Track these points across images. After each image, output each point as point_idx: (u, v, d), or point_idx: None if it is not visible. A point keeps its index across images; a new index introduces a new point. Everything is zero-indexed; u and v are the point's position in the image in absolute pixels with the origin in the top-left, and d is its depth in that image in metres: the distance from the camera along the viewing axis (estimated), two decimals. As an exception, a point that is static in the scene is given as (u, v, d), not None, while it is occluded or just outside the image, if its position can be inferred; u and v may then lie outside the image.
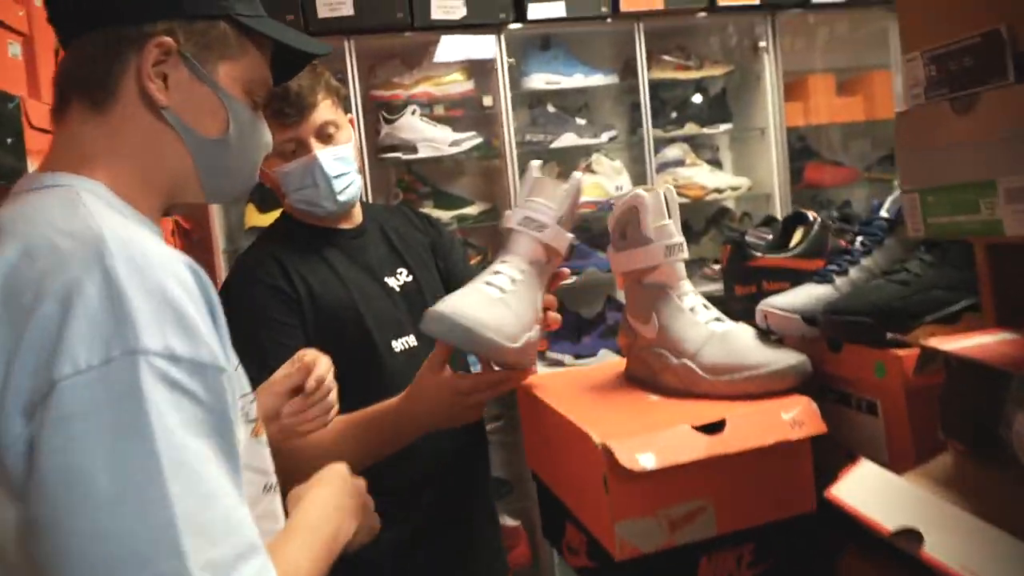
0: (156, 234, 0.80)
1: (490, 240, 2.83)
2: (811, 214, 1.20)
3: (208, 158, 0.83)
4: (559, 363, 2.71)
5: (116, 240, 0.67)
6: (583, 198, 2.65)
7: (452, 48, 2.61)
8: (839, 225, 1.19)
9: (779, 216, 2.78)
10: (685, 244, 1.17)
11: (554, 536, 1.24)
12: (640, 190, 1.17)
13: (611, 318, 2.75)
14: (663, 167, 2.78)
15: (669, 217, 1.16)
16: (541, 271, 1.16)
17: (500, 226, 1.17)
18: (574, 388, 1.24)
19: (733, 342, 1.09)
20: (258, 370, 1.16)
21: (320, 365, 1.08)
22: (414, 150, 2.54)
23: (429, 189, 2.71)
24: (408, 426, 1.24)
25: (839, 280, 1.06)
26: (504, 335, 1.05)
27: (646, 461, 0.92)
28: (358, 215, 1.47)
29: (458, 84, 2.63)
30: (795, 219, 1.26)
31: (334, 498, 0.91)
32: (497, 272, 1.12)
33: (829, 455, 0.99)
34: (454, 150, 2.57)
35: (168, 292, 0.66)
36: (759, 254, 1.20)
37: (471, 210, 2.70)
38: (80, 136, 0.79)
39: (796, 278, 1.14)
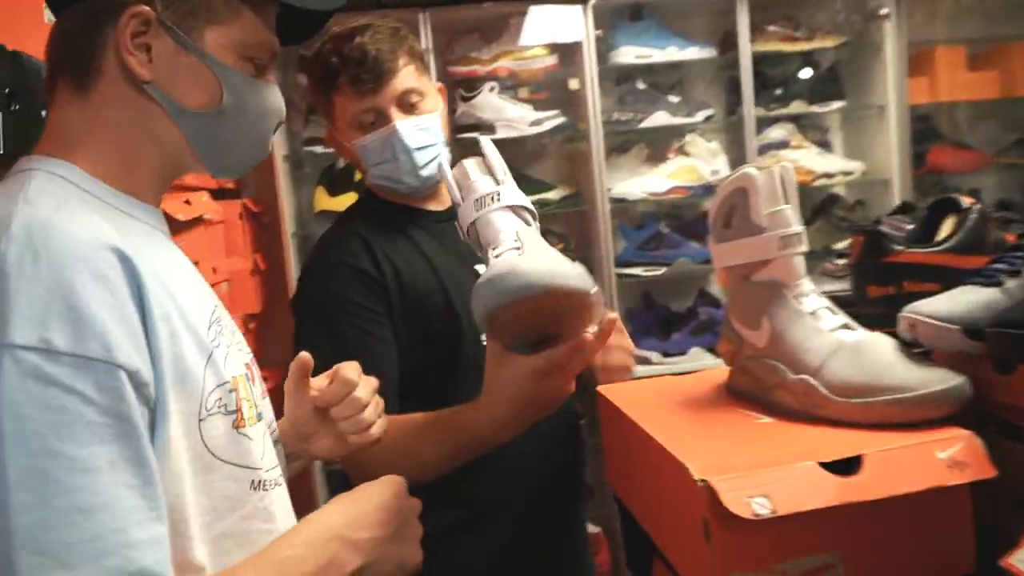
0: (148, 215, 0.77)
1: (573, 227, 2.64)
2: (965, 199, 0.97)
3: (201, 132, 0.77)
4: (646, 360, 2.51)
5: (22, 225, 0.63)
6: (675, 182, 2.48)
7: (534, 20, 2.42)
8: (1002, 214, 0.96)
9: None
10: (804, 234, 0.97)
11: (640, 569, 1.07)
12: (750, 168, 0.98)
13: (703, 313, 2.54)
14: (765, 149, 2.54)
15: (786, 201, 0.97)
16: (531, 234, 1.00)
17: (462, 236, 1.04)
18: (665, 401, 1.06)
19: (868, 356, 0.88)
20: (343, 360, 1.10)
21: (343, 373, 0.95)
22: (492, 130, 2.37)
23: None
24: (494, 433, 1.08)
25: (1010, 282, 0.84)
26: (569, 271, 0.89)
27: (760, 507, 0.73)
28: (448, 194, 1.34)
29: (540, 59, 2.45)
30: (942, 206, 1.03)
31: (339, 527, 0.77)
32: (498, 255, 0.95)
33: (988, 501, 0.78)
34: (535, 130, 2.39)
35: (64, 281, 0.61)
36: (900, 248, 0.98)
37: (553, 195, 2.52)
38: (64, 120, 0.76)
39: (948, 278, 0.92)
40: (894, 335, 0.91)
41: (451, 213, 1.31)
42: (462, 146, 2.50)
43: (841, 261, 2.19)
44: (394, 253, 1.25)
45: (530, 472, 1.28)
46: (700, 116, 2.51)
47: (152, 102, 0.75)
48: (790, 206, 0.97)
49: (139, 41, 0.73)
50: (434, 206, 1.33)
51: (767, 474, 0.75)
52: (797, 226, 0.97)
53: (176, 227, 1.64)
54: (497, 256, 0.94)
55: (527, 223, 1.00)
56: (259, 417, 0.80)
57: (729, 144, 2.64)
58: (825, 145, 2.66)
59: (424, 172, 1.26)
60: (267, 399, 0.91)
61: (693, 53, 2.50)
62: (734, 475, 0.75)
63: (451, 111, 2.44)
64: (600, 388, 1.13)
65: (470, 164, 1.03)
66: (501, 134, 2.39)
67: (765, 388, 0.97)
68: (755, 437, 0.88)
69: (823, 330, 0.93)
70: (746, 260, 0.99)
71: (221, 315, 0.82)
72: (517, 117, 2.38)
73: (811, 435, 0.85)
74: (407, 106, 1.24)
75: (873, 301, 0.99)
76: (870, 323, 0.94)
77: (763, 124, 2.56)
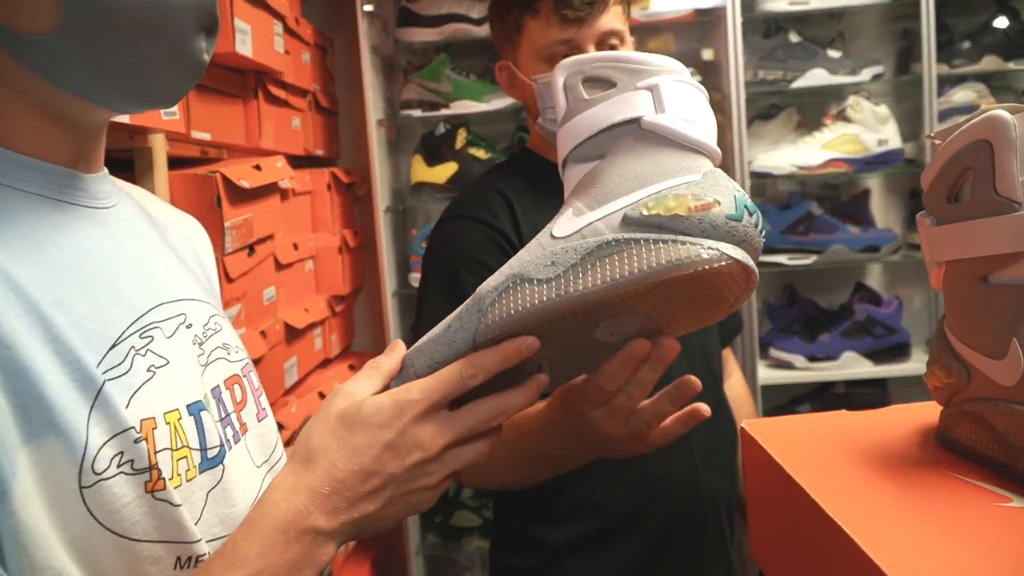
0: (42, 181, 0.55)
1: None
2: None
3: (54, 64, 0.53)
4: (788, 365, 2.14)
5: None
6: (832, 154, 2.08)
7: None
8: None
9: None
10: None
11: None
12: (1000, 111, 0.64)
13: (860, 311, 2.14)
14: (947, 114, 2.09)
15: (1054, 163, 0.64)
16: None
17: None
18: (845, 455, 0.74)
19: None
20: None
21: None
22: (614, 91, 2.05)
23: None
24: (564, 448, 0.86)
25: None
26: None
27: None
28: None
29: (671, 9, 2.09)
30: None
31: (300, 510, 0.53)
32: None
33: None
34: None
35: None
36: None
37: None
38: None
39: None
40: None
41: None
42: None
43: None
44: (539, 217, 1.10)
45: (677, 483, 1.12)
46: (866, 74, 2.09)
47: None
48: (1060, 169, 0.64)
49: None
50: None
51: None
52: (1073, 201, 0.63)
53: (240, 196, 1.42)
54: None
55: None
56: (208, 465, 0.57)
57: (901, 109, 2.20)
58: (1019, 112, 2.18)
59: None
60: (267, 419, 0.68)
61: (861, -2, 2.08)
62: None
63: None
64: (745, 424, 0.82)
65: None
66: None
67: (1015, 451, 0.63)
68: (1014, 538, 0.55)
69: (1122, 367, 0.59)
70: (986, 251, 0.66)
71: (163, 319, 0.59)
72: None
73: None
74: (606, 49, 1.10)
75: None
76: None
77: (944, 85, 2.11)
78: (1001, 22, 2.13)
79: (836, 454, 0.74)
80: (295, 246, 1.77)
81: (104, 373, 0.51)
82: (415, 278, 2.16)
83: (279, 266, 1.68)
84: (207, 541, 0.55)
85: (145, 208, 0.69)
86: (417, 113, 2.10)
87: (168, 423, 0.54)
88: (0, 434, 0.46)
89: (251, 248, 1.50)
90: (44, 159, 0.56)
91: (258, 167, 1.53)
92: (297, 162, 1.92)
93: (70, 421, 0.49)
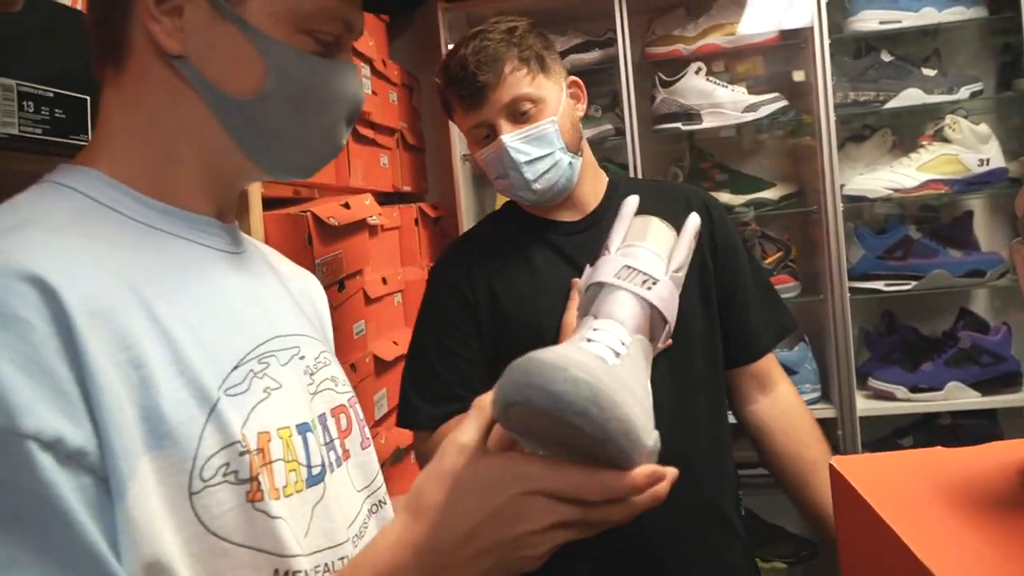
0: (193, 228, 0.64)
1: (796, 233, 2.23)
2: None
3: (244, 124, 0.63)
4: (888, 395, 2.05)
5: None
6: (929, 175, 2.01)
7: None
8: None
9: None
10: None
11: None
12: None
13: (965, 339, 2.03)
14: (1053, 131, 1.99)
15: None
16: (644, 352, 0.65)
17: (582, 286, 0.70)
18: (933, 493, 0.71)
19: None
20: (425, 376, 1.23)
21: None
22: (697, 119, 2.03)
23: (714, 166, 2.18)
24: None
25: None
26: (640, 417, 0.53)
27: None
28: (588, 201, 1.26)
29: (757, 33, 2.07)
30: None
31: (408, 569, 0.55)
32: (596, 329, 0.62)
33: None
34: (750, 116, 2.02)
35: None
36: None
37: (770, 194, 2.13)
38: (105, 109, 0.65)
39: None
40: None
41: (593, 221, 1.24)
42: (661, 139, 2.19)
43: None
44: (498, 275, 1.24)
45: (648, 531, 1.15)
46: (964, 92, 2.01)
47: (186, 84, 0.62)
48: None
49: (168, 5, 0.61)
50: (567, 215, 1.26)
51: None
52: None
53: (329, 233, 1.48)
54: (595, 331, 0.63)
55: (650, 339, 0.67)
56: (312, 482, 0.63)
57: (1004, 127, 2.10)
58: None
59: (538, 185, 1.18)
60: (370, 448, 0.74)
61: (956, 14, 2.00)
62: None
63: (650, 99, 2.12)
64: (834, 460, 0.79)
65: (657, 228, 0.74)
66: (708, 122, 2.05)
67: (1124, 494, 0.59)
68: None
69: None
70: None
71: (279, 348, 0.65)
72: (728, 101, 2.02)
73: None
74: (518, 115, 1.17)
75: None
76: None
77: (1050, 100, 2.01)
78: (1113, 31, 2.02)
79: (928, 493, 0.71)
80: (384, 280, 1.82)
81: (226, 392, 0.57)
82: (501, 309, 2.18)
83: (368, 300, 1.73)
84: (313, 553, 0.60)
85: (269, 260, 0.78)
86: (501, 147, 2.14)
87: (281, 438, 0.60)
88: (124, 440, 0.51)
89: (341, 284, 1.55)
90: (195, 211, 0.64)
91: (347, 205, 1.59)
92: (386, 198, 1.98)
93: (185, 434, 0.54)
